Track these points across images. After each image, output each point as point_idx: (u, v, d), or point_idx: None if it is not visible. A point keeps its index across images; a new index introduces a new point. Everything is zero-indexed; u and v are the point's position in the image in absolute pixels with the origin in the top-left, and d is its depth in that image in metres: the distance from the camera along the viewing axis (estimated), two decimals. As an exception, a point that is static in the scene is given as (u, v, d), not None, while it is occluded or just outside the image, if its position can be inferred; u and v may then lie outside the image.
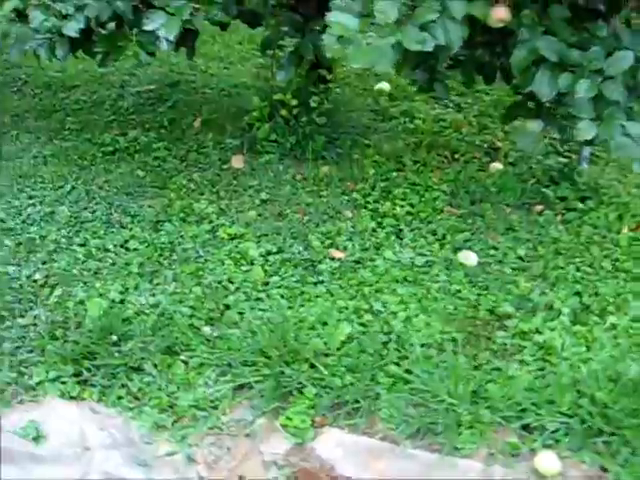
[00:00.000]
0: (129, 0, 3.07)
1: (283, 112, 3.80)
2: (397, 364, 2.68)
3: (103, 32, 3.24)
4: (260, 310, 2.95)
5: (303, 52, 3.40)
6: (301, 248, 3.32)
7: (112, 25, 3.41)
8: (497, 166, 4.03)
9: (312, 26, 3.49)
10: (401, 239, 3.41)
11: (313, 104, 3.80)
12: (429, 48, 2.68)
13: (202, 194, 3.63)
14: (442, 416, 2.46)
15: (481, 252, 3.32)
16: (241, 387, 2.63)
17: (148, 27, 2.95)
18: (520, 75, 3.01)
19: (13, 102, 4.60)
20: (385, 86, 4.68)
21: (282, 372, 2.65)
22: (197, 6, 2.79)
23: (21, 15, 3.22)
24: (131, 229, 3.38)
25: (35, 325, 2.89)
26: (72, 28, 3.16)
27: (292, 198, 3.66)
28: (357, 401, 2.54)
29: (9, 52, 3.13)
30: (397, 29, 2.56)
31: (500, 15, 2.89)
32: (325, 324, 2.87)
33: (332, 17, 2.43)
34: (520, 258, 3.29)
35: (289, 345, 2.74)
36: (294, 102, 3.76)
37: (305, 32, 3.46)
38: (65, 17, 3.20)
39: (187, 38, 3.58)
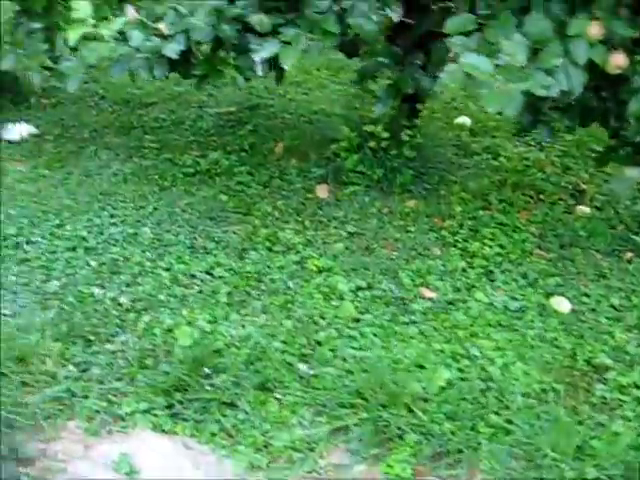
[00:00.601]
0: (235, 25, 3.02)
1: (372, 144, 3.71)
2: (497, 413, 2.57)
3: (201, 55, 3.19)
4: (353, 348, 2.85)
5: (402, 85, 3.32)
6: (391, 285, 3.22)
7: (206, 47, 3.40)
8: (583, 209, 3.93)
9: (411, 59, 3.44)
10: (492, 281, 3.31)
11: (404, 137, 3.72)
12: (554, 93, 2.62)
13: (287, 222, 3.55)
14: (546, 471, 2.36)
15: (573, 299, 3.22)
16: (338, 429, 2.56)
17: (260, 54, 2.88)
18: (637, 123, 2.94)
19: (91, 117, 4.56)
20: (466, 120, 4.60)
21: (380, 416, 2.57)
22: (312, 36, 2.72)
23: (122, 34, 3.19)
24: (216, 255, 3.29)
25: (123, 351, 2.80)
26: (172, 49, 3.10)
27: (379, 232, 3.56)
28: (459, 451, 2.44)
29: (112, 71, 3.07)
30: (527, 74, 2.49)
31: (619, 62, 2.85)
32: (422, 367, 2.77)
33: (466, 58, 2.36)
34: (613, 307, 3.19)
35: (386, 387, 2.64)
36: (385, 134, 3.69)
37: (404, 65, 3.40)
38: (165, 37, 3.17)
39: (276, 64, 3.55)
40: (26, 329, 2.88)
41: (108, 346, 2.83)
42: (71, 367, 2.73)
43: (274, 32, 3.19)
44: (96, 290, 3.09)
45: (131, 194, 3.68)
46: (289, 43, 2.79)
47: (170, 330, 2.90)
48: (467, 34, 2.82)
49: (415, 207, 3.74)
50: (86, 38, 3.37)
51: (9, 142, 4.20)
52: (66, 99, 4.75)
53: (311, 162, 3.95)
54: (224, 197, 3.67)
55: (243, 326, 2.94)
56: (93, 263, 3.22)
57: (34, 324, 2.91)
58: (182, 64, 3.20)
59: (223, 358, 2.76)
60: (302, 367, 2.78)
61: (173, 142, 4.16)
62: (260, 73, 3.31)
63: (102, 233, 3.41)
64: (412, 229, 3.59)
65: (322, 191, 3.76)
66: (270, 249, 3.37)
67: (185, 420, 2.55)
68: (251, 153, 4.03)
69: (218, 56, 3.17)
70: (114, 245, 3.35)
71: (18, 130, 4.18)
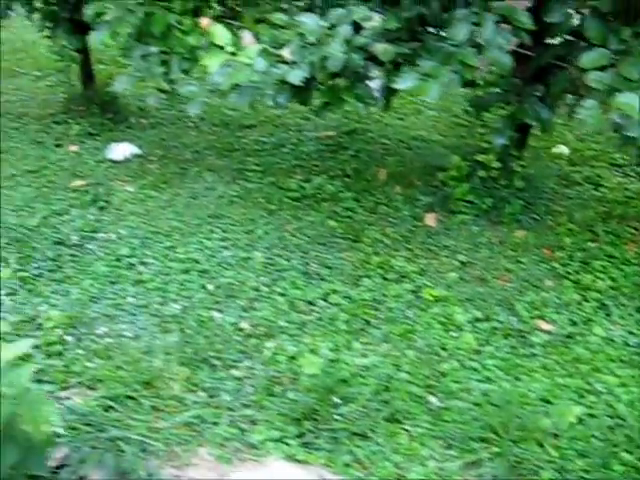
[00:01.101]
0: (363, 54, 3.01)
1: (482, 173, 3.68)
2: (629, 451, 2.51)
3: (321, 83, 3.19)
4: (477, 381, 2.82)
5: (521, 116, 3.28)
6: (508, 317, 3.16)
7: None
8: (691, 243, 3.87)
9: (530, 91, 3.40)
10: (608, 315, 3.24)
11: (515, 168, 3.68)
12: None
13: (397, 250, 3.51)
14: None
15: (693, 335, 3.17)
16: (470, 463, 2.50)
17: (398, 86, 2.86)
18: None
19: (192, 138, 4.58)
20: (564, 150, 4.55)
21: (512, 451, 2.52)
22: (451, 68, 2.69)
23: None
24: (331, 282, 3.27)
25: (249, 378, 2.81)
26: (296, 76, 3.10)
27: (490, 262, 3.51)
28: (595, 490, 2.41)
29: (236, 97, 3.07)
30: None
31: None
32: (548, 402, 2.74)
33: (623, 98, 2.33)
34: None
35: (516, 422, 2.62)
36: (495, 164, 3.65)
37: (523, 96, 3.37)
38: (286, 64, 3.17)
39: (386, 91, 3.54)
40: (150, 352, 2.91)
41: (234, 372, 2.83)
42: (199, 392, 2.74)
43: (395, 61, 3.21)
44: (215, 314, 3.11)
45: (239, 217, 3.68)
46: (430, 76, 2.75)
47: (294, 357, 2.89)
48: (601, 69, 2.81)
49: (524, 238, 3.69)
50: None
51: (113, 162, 4.26)
52: (164, 119, 4.81)
53: (417, 189, 3.92)
54: (332, 223, 3.65)
55: (365, 355, 2.91)
56: (209, 287, 3.23)
57: (157, 347, 2.93)
58: (303, 91, 3.21)
59: (350, 387, 2.74)
60: (432, 400, 2.76)
61: (276, 165, 4.16)
62: (379, 102, 3.33)
63: (214, 256, 3.42)
64: (523, 260, 3.55)
65: (430, 219, 3.73)
66: (384, 277, 3.34)
67: (317, 450, 2.53)
68: (355, 178, 4.01)
69: (340, 84, 3.17)
70: (227, 269, 3.35)
71: (122, 150, 4.23)
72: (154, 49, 3.42)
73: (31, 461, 1.91)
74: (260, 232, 3.59)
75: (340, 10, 3.04)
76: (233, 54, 2.79)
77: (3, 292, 3.21)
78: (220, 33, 2.80)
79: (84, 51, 4.54)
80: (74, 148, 4.41)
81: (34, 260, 3.40)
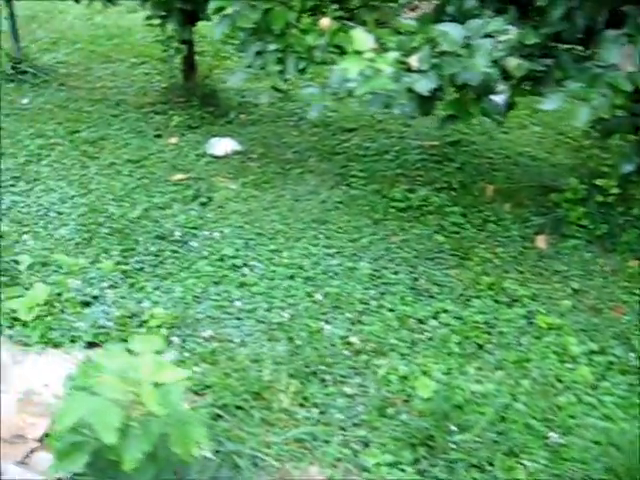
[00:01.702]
0: (496, 67, 2.89)
1: (599, 198, 3.53)
2: None
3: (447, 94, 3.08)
4: (595, 418, 2.68)
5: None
6: (625, 352, 3.01)
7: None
8: None
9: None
10: None
11: (637, 195, 3.51)
12: None
13: (507, 272, 3.36)
14: None
15: None
16: (592, 505, 2.41)
17: (545, 106, 2.73)
18: None
19: (293, 138, 4.49)
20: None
21: (636, 498, 2.41)
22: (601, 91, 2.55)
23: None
24: (441, 300, 3.15)
25: (360, 396, 2.70)
26: (425, 86, 2.99)
27: (604, 292, 3.35)
28: None
29: (369, 104, 2.98)
30: None
31: None
32: (671, 447, 2.61)
33: None
34: None
35: (637, 468, 2.49)
36: (615, 190, 3.50)
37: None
38: (411, 72, 3.06)
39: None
40: (258, 361, 2.83)
41: (345, 389, 2.72)
42: (309, 407, 2.65)
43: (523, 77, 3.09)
44: (323, 325, 3.02)
45: (344, 224, 3.58)
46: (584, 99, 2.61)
47: (406, 378, 2.78)
48: None
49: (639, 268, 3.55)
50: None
51: (213, 157, 4.19)
52: (264, 116, 4.73)
53: (526, 209, 3.75)
54: (440, 237, 3.52)
55: (480, 381, 2.79)
56: (316, 295, 3.13)
57: (265, 356, 2.86)
58: (427, 102, 3.10)
59: (465, 415, 2.62)
60: (551, 434, 2.64)
61: (379, 173, 4.04)
62: (502, 116, 3.20)
63: (319, 263, 3.32)
64: (638, 292, 3.41)
65: (541, 241, 3.58)
66: (495, 299, 3.20)
67: (433, 479, 2.46)
68: (461, 192, 3.87)
69: (468, 97, 3.06)
70: (333, 278, 3.25)
71: (223, 146, 4.16)
72: (272, 46, 3.35)
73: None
74: (365, 241, 3.48)
75: (477, 21, 2.93)
76: (371, 60, 2.69)
77: (105, 284, 3.18)
78: (360, 37, 2.70)
79: (189, 42, 4.49)
80: (174, 140, 4.37)
81: (136, 253, 3.36)
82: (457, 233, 3.60)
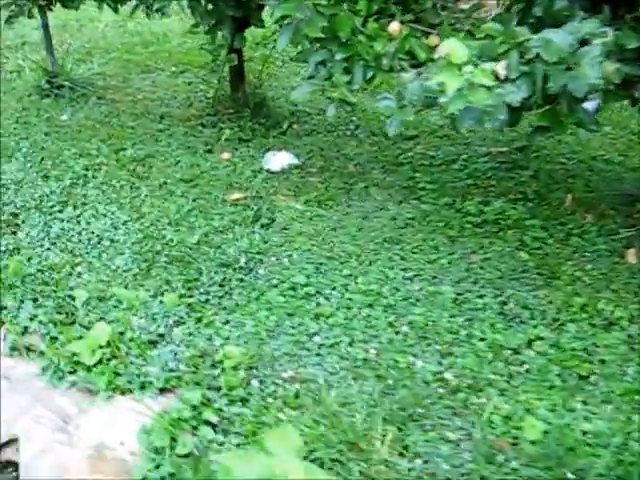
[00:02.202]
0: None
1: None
2: None
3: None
4: None
5: None
6: None
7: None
8: None
9: None
10: None
11: None
12: None
13: (599, 291, 3.09)
14: None
15: None
16: None
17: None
18: None
19: (351, 149, 4.24)
20: None
21: None
22: None
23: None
24: (533, 326, 2.90)
25: (464, 441, 2.43)
26: (516, 96, 2.75)
27: None
28: None
29: (462, 120, 2.75)
30: None
31: None
32: None
33: None
34: None
35: None
36: None
37: None
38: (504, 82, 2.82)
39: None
40: (348, 404, 2.58)
41: (447, 433, 2.48)
42: (411, 457, 2.41)
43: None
44: (413, 360, 2.77)
45: (418, 243, 3.34)
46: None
47: (509, 417, 2.52)
48: None
49: None
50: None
51: (270, 172, 3.96)
52: (319, 126, 4.49)
53: (611, 220, 3.47)
54: (523, 255, 3.26)
55: (588, 419, 2.53)
56: (398, 326, 2.88)
57: (355, 398, 2.62)
58: (515, 113, 2.86)
59: (579, 459, 2.39)
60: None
61: (448, 184, 3.78)
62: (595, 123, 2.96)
63: (398, 289, 3.08)
64: None
65: (631, 256, 3.32)
66: (590, 323, 2.94)
67: (556, 536, 2.23)
68: (538, 203, 3.60)
69: (561, 107, 2.82)
70: (415, 305, 3.01)
71: (279, 160, 3.93)
72: (339, 55, 3.11)
73: None
74: (444, 262, 3.24)
75: (574, 25, 2.67)
76: (472, 74, 2.45)
77: (170, 320, 2.95)
78: (456, 48, 2.46)
79: (239, 50, 4.25)
80: (227, 155, 4.13)
81: (200, 284, 3.14)
82: (540, 249, 3.35)
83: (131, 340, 2.85)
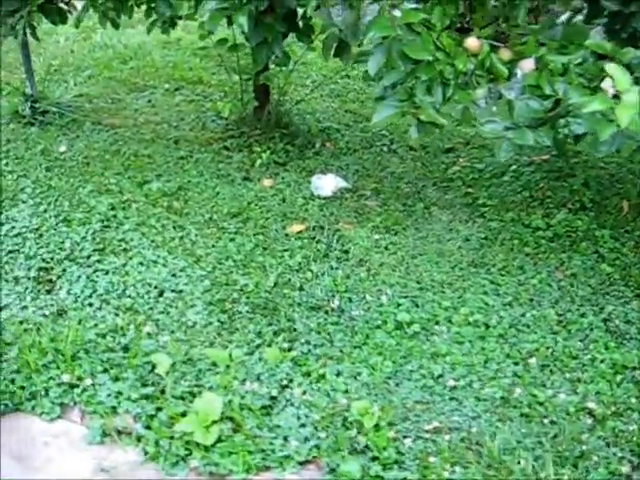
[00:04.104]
0: None
1: None
2: None
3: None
4: None
5: None
6: None
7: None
8: None
9: None
10: None
11: None
12: None
13: (689, 298, 3.19)
14: None
15: None
16: None
17: None
18: None
19: (396, 166, 4.06)
20: None
21: None
22: None
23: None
24: (641, 346, 2.94)
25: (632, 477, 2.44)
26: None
27: None
28: None
29: (599, 148, 2.63)
30: None
31: None
32: None
33: None
34: None
35: None
36: None
37: None
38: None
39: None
40: (508, 450, 2.42)
41: (620, 468, 2.44)
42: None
43: None
44: (548, 392, 2.66)
45: (502, 264, 3.25)
46: None
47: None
48: None
49: None
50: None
51: (322, 198, 3.73)
52: (351, 143, 4.30)
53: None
54: (606, 267, 3.23)
55: None
56: (517, 356, 2.78)
57: (509, 442, 2.47)
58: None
59: None
60: None
61: (506, 198, 3.70)
62: None
63: (502, 316, 2.98)
64: None
65: None
66: (695, 331, 3.01)
67: None
68: (598, 212, 3.57)
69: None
70: (524, 331, 2.92)
71: (329, 184, 3.71)
72: (423, 75, 2.94)
73: None
74: (535, 282, 3.16)
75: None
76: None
77: (278, 379, 2.67)
78: (620, 76, 2.34)
79: (266, 66, 3.95)
80: (268, 182, 3.87)
81: (297, 334, 2.90)
82: (618, 259, 3.34)
83: (243, 408, 2.57)
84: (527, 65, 3.12)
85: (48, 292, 3.17)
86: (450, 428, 2.57)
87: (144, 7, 3.97)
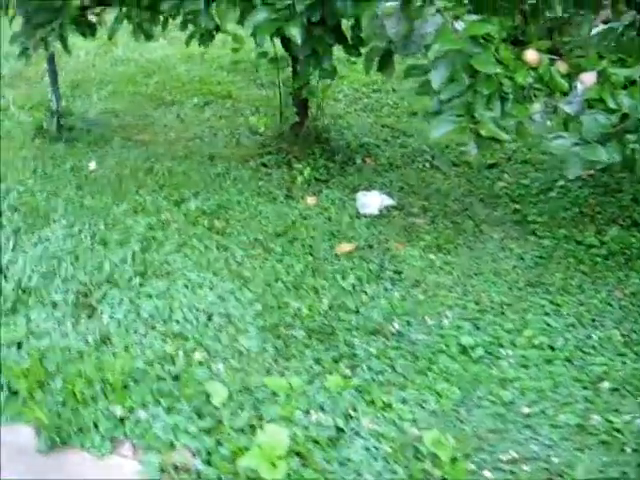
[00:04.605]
0: None
1: None
2: None
3: None
4: None
5: None
6: None
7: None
8: None
9: None
10: None
11: None
12: None
13: None
14: None
15: None
16: None
17: None
18: None
19: (441, 183, 3.97)
20: None
21: None
22: None
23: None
24: None
25: None
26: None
27: None
28: None
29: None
30: None
31: None
32: None
33: None
34: None
35: None
36: None
37: None
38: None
39: None
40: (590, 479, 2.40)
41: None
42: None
43: None
44: (624, 418, 2.55)
45: (560, 283, 3.15)
46: None
47: None
48: None
49: None
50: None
51: (368, 216, 3.63)
52: (392, 158, 4.20)
53: None
54: (668, 288, 3.21)
55: None
56: (587, 381, 2.68)
57: (594, 472, 2.40)
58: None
59: None
60: None
61: (556, 214, 3.62)
62: None
63: (567, 339, 2.87)
64: None
65: None
66: None
67: None
68: (646, 228, 3.58)
69: None
70: (591, 354, 2.81)
71: (374, 202, 3.61)
72: (485, 90, 2.85)
73: None
74: (595, 302, 3.06)
75: None
76: None
77: (343, 408, 2.53)
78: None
79: (307, 82, 3.83)
80: (312, 200, 3.77)
81: (357, 360, 2.77)
82: (676, 276, 3.30)
83: (308, 440, 2.43)
84: (588, 78, 3.05)
85: (89, 317, 3.03)
86: (527, 458, 2.45)
87: (179, 19, 3.89)
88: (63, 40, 3.84)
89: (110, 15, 4.06)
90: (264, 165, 4.09)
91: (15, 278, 3.22)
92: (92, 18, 3.99)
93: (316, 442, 2.49)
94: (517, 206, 3.74)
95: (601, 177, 3.92)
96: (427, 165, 4.18)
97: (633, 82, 2.99)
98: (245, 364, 2.80)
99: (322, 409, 2.62)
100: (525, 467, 2.47)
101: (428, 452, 2.49)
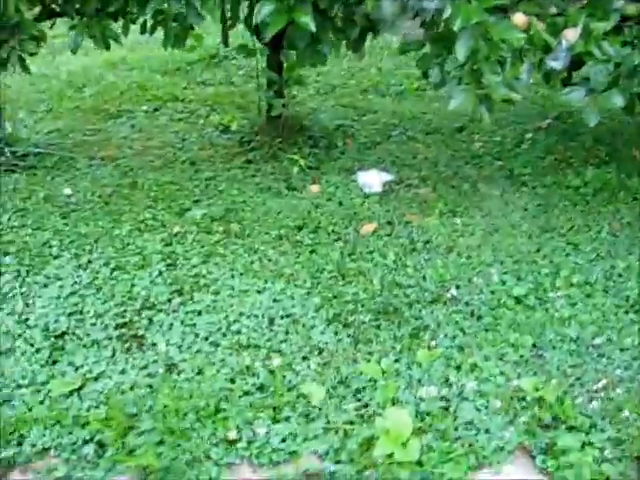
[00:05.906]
0: None
1: None
2: None
3: None
4: None
5: None
6: None
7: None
8: None
9: None
10: None
11: None
12: None
13: None
14: None
15: None
16: None
17: None
18: None
19: (425, 150, 4.15)
20: None
21: None
22: None
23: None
24: None
25: None
26: None
27: None
28: None
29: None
30: None
31: None
32: None
33: None
34: None
35: None
36: None
37: None
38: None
39: None
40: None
41: None
42: None
43: None
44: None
45: (567, 225, 3.44)
46: None
47: None
48: None
49: None
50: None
51: (377, 194, 3.74)
52: (368, 137, 4.32)
53: None
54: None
55: None
56: (634, 307, 2.98)
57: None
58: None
59: None
60: None
61: (536, 164, 3.91)
62: None
63: (594, 271, 3.15)
64: None
65: None
66: None
67: None
68: (617, 163, 3.88)
69: None
70: (619, 282, 3.11)
71: (375, 180, 3.74)
72: (492, 56, 2.99)
73: None
74: (603, 235, 3.38)
75: None
76: None
77: (437, 380, 2.66)
78: None
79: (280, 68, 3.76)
80: (315, 189, 3.84)
81: (431, 330, 2.87)
82: None
83: (425, 415, 2.51)
84: (571, 34, 3.31)
85: (140, 348, 2.87)
86: (615, 382, 2.70)
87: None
88: (21, 60, 3.53)
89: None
90: (250, 162, 4.09)
91: (41, 325, 2.97)
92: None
93: (430, 415, 2.61)
94: (500, 162, 4.06)
95: (556, 126, 4.28)
96: (404, 137, 4.39)
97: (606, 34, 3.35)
98: (328, 358, 2.83)
99: (420, 383, 2.74)
100: (618, 390, 2.73)
101: (532, 398, 2.70)
